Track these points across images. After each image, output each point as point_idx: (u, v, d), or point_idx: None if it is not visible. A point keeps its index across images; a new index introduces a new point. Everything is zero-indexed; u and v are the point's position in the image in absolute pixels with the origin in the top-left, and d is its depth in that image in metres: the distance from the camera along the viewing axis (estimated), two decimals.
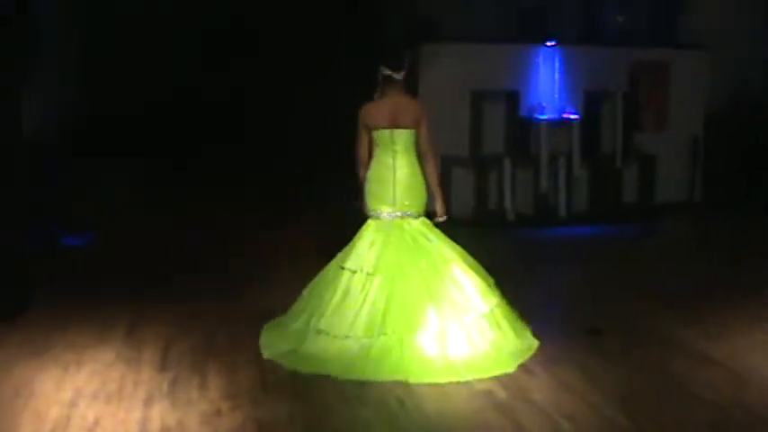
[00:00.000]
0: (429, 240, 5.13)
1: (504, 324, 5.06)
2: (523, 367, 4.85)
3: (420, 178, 5.22)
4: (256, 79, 11.91)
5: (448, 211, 5.31)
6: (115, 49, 11.30)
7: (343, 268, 5.08)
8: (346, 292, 5.00)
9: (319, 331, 4.96)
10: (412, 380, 4.63)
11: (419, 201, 5.22)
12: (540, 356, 5.00)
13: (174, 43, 11.64)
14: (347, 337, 4.87)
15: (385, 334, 4.84)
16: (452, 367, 4.74)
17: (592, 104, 9.61)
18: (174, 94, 11.69)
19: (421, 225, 5.20)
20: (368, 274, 4.98)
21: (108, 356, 5.02)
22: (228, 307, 6.05)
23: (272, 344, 5.15)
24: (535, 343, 5.15)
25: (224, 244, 8.11)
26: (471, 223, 8.96)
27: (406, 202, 5.16)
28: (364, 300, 4.93)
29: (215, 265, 7.28)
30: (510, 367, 4.81)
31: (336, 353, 4.85)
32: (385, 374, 4.69)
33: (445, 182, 9.16)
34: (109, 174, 10.42)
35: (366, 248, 5.08)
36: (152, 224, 8.95)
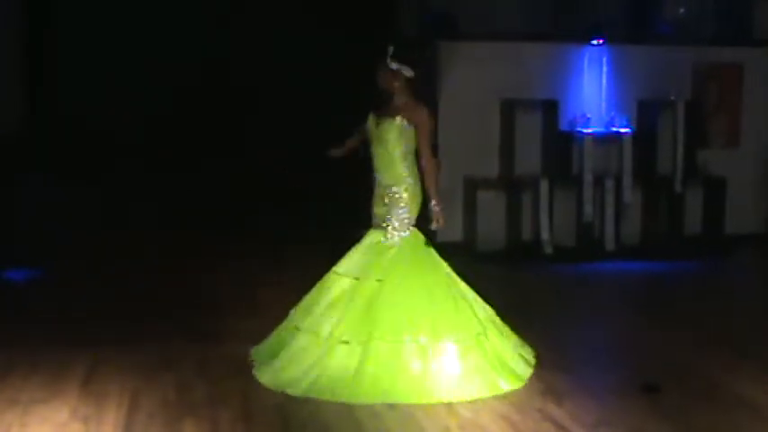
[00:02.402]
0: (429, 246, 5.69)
1: (507, 330, 5.64)
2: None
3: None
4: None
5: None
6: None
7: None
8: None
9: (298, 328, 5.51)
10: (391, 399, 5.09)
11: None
12: (584, 417, 5.00)
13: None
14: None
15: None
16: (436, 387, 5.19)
17: (647, 115, 9.65)
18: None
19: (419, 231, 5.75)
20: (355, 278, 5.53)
21: (60, 414, 4.96)
22: (205, 351, 6.07)
23: (262, 366, 5.59)
24: (532, 361, 5.66)
25: (197, 277, 8.17)
26: (501, 257, 8.99)
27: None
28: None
29: (187, 302, 7.31)
30: (517, 384, 5.35)
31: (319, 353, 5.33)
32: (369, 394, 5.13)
33: (470, 208, 9.32)
34: (60, 195, 10.48)
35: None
36: (111, 255, 8.99)
